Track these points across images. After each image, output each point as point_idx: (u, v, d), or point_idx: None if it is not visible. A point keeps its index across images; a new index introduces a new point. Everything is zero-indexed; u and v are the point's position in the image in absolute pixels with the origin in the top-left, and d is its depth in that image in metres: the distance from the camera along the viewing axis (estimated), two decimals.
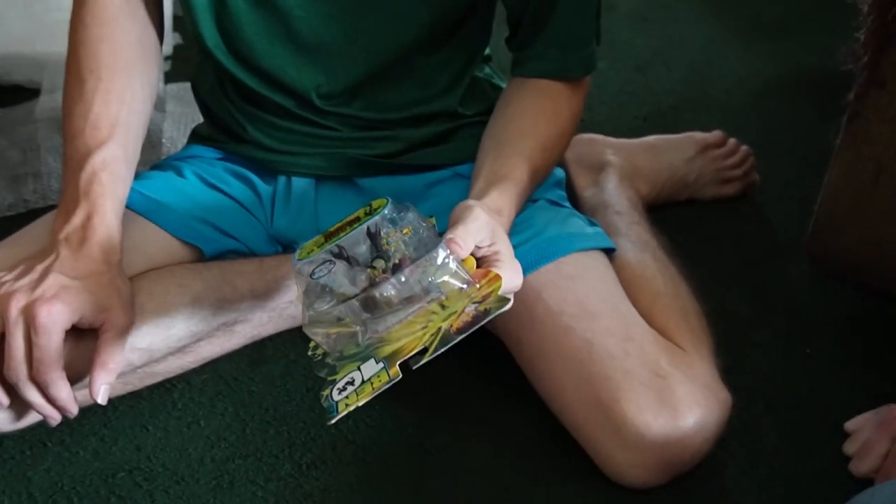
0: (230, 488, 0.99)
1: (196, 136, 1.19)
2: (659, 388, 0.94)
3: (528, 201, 1.05)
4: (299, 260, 0.86)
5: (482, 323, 0.80)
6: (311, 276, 0.84)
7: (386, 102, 1.10)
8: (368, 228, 0.85)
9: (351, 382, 0.80)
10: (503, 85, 1.14)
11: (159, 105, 1.47)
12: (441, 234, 0.85)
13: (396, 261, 0.83)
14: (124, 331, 0.94)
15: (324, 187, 1.13)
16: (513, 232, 0.97)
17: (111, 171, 0.98)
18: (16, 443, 1.03)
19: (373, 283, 0.82)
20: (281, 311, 1.11)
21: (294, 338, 1.14)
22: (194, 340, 1.06)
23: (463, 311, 0.80)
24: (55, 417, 0.94)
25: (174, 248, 1.07)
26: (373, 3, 1.03)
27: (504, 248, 0.87)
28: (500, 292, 0.82)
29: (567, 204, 1.12)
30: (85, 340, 0.94)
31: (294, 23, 1.04)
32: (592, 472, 0.98)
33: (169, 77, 1.58)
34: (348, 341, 0.82)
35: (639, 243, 1.13)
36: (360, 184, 1.13)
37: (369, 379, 0.79)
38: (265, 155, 1.12)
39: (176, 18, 1.63)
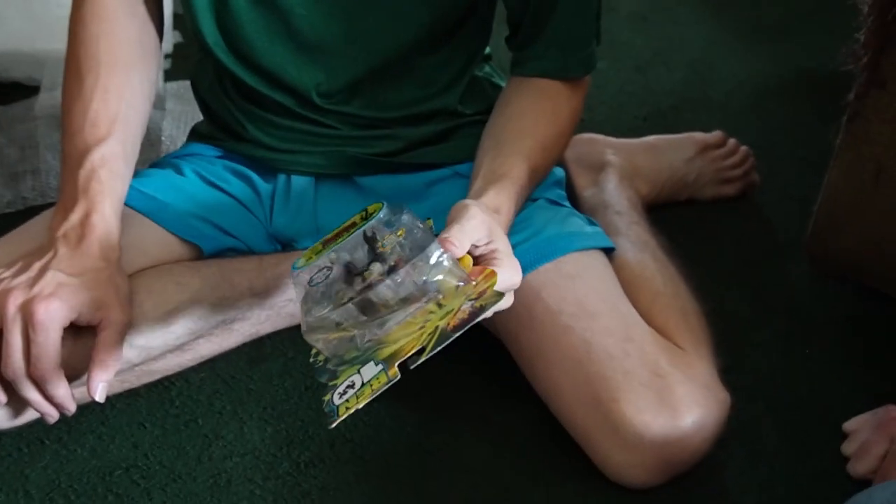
0: (227, 486, 0.99)
1: (195, 134, 1.19)
2: (658, 387, 0.94)
3: (528, 200, 1.05)
4: (297, 269, 0.86)
5: (479, 319, 0.80)
6: (308, 283, 0.85)
7: (386, 101, 1.10)
8: (365, 233, 0.85)
9: (351, 386, 0.80)
10: (503, 84, 1.13)
11: (159, 103, 1.47)
12: (438, 235, 0.85)
13: (392, 263, 0.83)
14: (122, 328, 0.94)
15: (323, 186, 1.13)
16: (512, 231, 0.97)
17: (110, 169, 0.98)
18: (13, 440, 1.03)
19: (369, 286, 0.82)
20: (279, 309, 1.11)
21: (293, 336, 1.13)
22: (193, 338, 1.06)
23: (459, 308, 0.80)
24: (53, 415, 0.94)
25: (173, 245, 1.07)
26: (373, 3, 1.03)
27: (502, 245, 0.87)
28: (498, 290, 0.82)
29: (567, 203, 1.12)
30: (83, 338, 0.93)
31: (294, 21, 1.04)
32: (592, 471, 0.98)
33: (169, 75, 1.58)
34: (348, 345, 0.82)
35: (638, 243, 1.13)
36: (359, 182, 1.13)
37: (369, 381, 0.80)
38: (265, 153, 1.12)
39: (176, 16, 1.63)
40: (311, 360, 0.89)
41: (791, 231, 1.30)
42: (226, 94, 1.13)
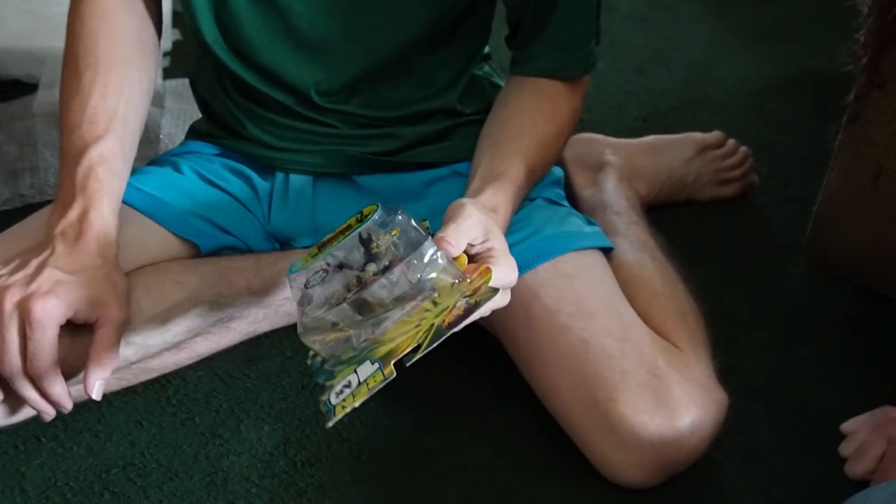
0: (224, 485, 0.99)
1: (194, 132, 1.19)
2: (655, 388, 0.94)
3: (526, 200, 1.05)
4: (294, 272, 0.87)
5: (474, 315, 0.80)
6: (305, 286, 0.85)
7: (385, 100, 1.09)
8: (360, 235, 0.85)
9: (348, 385, 0.81)
10: (502, 83, 1.13)
11: (158, 101, 1.47)
12: (434, 234, 0.85)
13: (387, 262, 0.83)
14: (120, 326, 0.94)
15: (322, 184, 1.13)
16: (510, 230, 0.97)
17: (108, 166, 0.98)
18: (9, 438, 1.03)
19: (364, 286, 0.82)
20: (277, 307, 1.10)
21: (290, 335, 1.13)
22: (190, 336, 1.05)
23: (455, 305, 0.80)
24: (49, 413, 0.93)
25: (171, 243, 1.07)
26: (373, 2, 1.02)
27: (498, 244, 0.87)
28: (493, 286, 0.82)
29: (565, 203, 1.12)
30: (80, 335, 0.93)
31: (293, 19, 1.04)
32: (589, 471, 0.98)
33: (168, 73, 1.58)
34: (344, 346, 0.83)
35: (637, 243, 1.13)
36: (358, 181, 1.13)
37: (365, 380, 0.80)
38: (263, 151, 1.12)
39: (175, 14, 1.63)
40: (309, 361, 0.89)
41: (790, 232, 1.29)
42: (225, 92, 1.13)
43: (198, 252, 1.09)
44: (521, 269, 0.88)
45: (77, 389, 0.94)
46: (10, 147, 1.41)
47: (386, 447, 1.03)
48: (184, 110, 1.47)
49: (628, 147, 1.33)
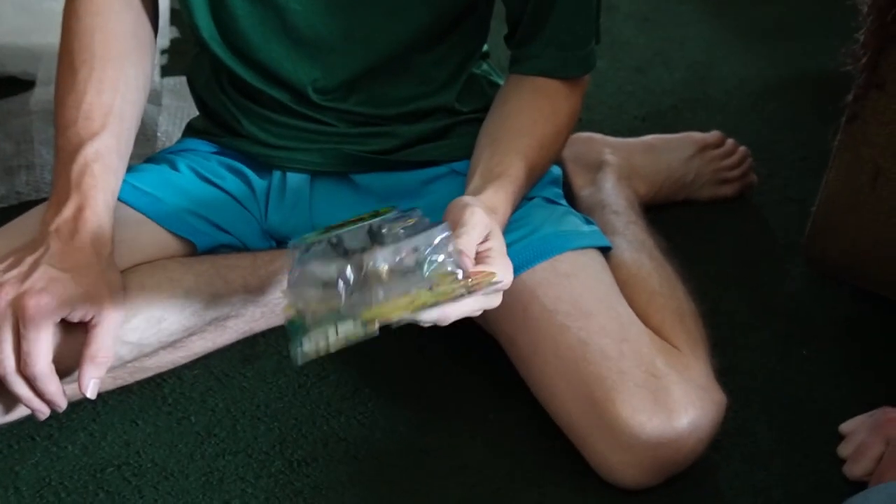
0: (220, 485, 0.99)
1: (191, 130, 1.19)
2: (654, 388, 0.94)
3: (524, 199, 1.05)
4: (294, 244, 0.86)
5: (465, 302, 0.81)
6: (305, 250, 0.84)
7: (383, 98, 1.09)
8: (371, 226, 0.85)
9: (325, 336, 0.79)
10: (500, 82, 1.13)
11: (155, 99, 1.47)
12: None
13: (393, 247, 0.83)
14: (115, 324, 0.94)
15: (319, 183, 1.12)
16: (508, 229, 0.97)
17: (103, 163, 0.97)
18: (3, 437, 1.02)
19: (367, 251, 0.81)
20: (273, 306, 1.10)
21: (287, 334, 1.13)
22: (186, 335, 1.05)
23: (451, 293, 0.80)
24: (44, 411, 0.93)
25: (166, 241, 1.06)
26: (371, 1, 1.02)
27: (496, 245, 0.87)
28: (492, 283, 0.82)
29: (563, 202, 1.12)
30: (74, 333, 0.93)
31: (290, 16, 1.04)
32: (587, 472, 0.98)
33: (166, 71, 1.58)
34: (328, 311, 0.80)
35: (635, 243, 1.13)
36: (355, 180, 1.12)
37: (345, 335, 0.79)
38: (260, 150, 1.12)
39: (174, 12, 1.63)
40: (285, 318, 0.84)
41: (789, 232, 1.29)
42: (222, 90, 1.12)
43: (194, 250, 1.08)
44: (519, 268, 0.88)
45: (72, 388, 0.93)
46: (6, 144, 1.41)
47: (383, 447, 1.03)
48: (181, 108, 1.47)
49: (627, 146, 1.32)
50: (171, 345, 1.05)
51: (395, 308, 0.79)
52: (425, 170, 1.12)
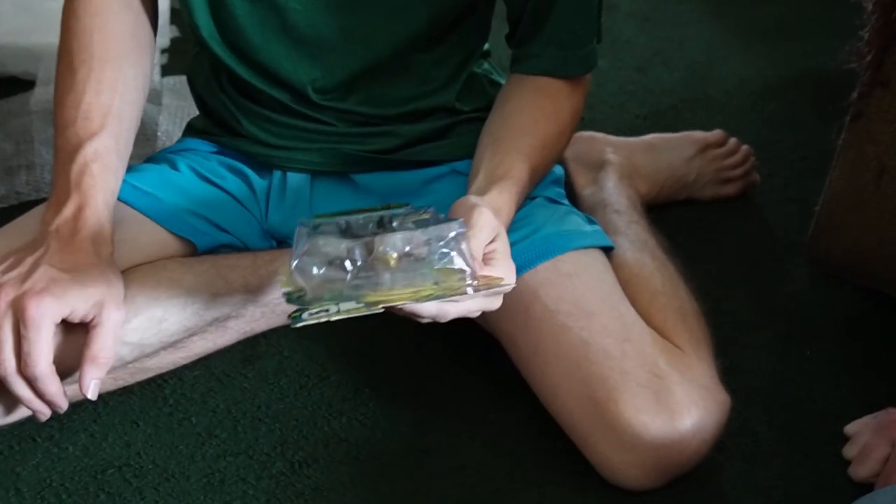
0: (221, 486, 0.98)
1: (191, 129, 1.18)
2: (656, 388, 0.94)
3: (527, 198, 1.04)
4: (303, 222, 0.85)
5: (470, 301, 0.81)
6: (313, 228, 0.83)
7: (383, 98, 1.09)
8: (382, 217, 0.84)
9: (325, 311, 0.79)
10: (501, 81, 1.13)
11: (155, 98, 1.47)
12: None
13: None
14: (115, 325, 0.93)
15: (319, 183, 1.12)
16: (510, 229, 0.97)
17: (103, 163, 0.97)
18: (4, 438, 1.02)
19: (380, 231, 0.81)
20: (274, 306, 1.10)
21: (288, 335, 1.13)
22: (186, 335, 1.05)
23: (457, 289, 0.80)
24: (44, 412, 0.93)
25: (167, 241, 1.06)
26: (371, 0, 1.02)
27: (500, 246, 0.87)
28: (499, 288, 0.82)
29: (565, 202, 1.11)
30: (75, 334, 0.92)
31: (290, 16, 1.04)
32: (589, 473, 0.97)
33: (166, 70, 1.58)
34: (330, 292, 0.80)
35: (637, 242, 1.12)
36: (356, 180, 1.12)
37: (347, 310, 0.78)
38: (260, 149, 1.11)
39: (174, 11, 1.63)
40: (282, 288, 0.83)
41: (791, 232, 1.29)
42: (222, 90, 1.12)
43: (194, 250, 1.08)
44: (521, 268, 0.88)
45: (72, 389, 0.93)
46: (6, 144, 1.41)
47: (384, 447, 1.02)
48: (181, 107, 1.46)
49: (629, 146, 1.32)
50: (172, 345, 1.05)
51: (398, 296, 0.79)
52: (426, 169, 1.12)
